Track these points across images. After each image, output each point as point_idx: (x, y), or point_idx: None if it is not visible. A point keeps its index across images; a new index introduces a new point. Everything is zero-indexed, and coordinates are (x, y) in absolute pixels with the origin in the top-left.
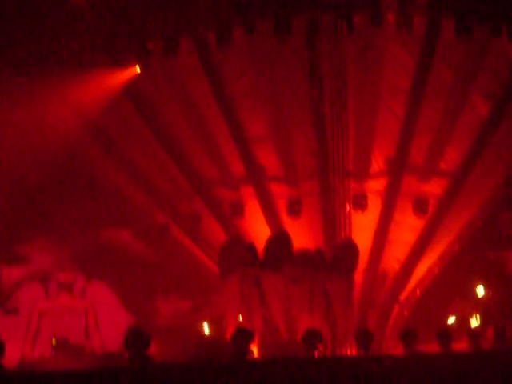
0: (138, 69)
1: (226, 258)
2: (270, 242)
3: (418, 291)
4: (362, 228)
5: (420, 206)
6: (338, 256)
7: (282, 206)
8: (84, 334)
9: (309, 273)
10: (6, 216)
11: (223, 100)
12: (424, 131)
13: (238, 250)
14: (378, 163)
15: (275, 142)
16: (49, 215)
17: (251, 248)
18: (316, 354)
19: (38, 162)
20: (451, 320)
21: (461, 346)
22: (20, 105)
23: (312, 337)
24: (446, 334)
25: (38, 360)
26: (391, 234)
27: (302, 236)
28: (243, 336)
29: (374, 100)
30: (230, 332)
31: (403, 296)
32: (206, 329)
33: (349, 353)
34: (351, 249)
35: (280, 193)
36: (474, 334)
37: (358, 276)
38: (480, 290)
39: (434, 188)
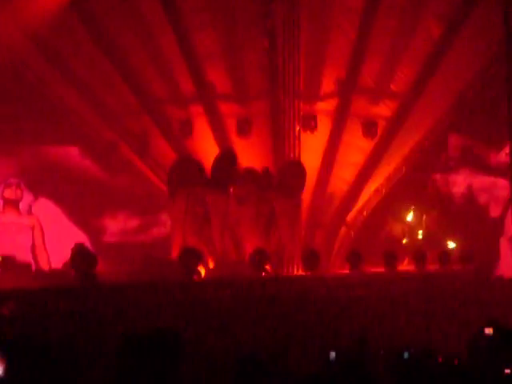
0: None
1: (175, 177)
2: (216, 161)
3: (364, 212)
4: (311, 149)
5: (369, 128)
6: (285, 176)
7: (231, 126)
8: (31, 251)
9: (255, 192)
10: None
11: (174, 16)
12: (375, 53)
13: (186, 169)
14: (328, 84)
15: (226, 60)
16: None
17: (199, 167)
18: (263, 273)
19: None
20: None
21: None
22: None
23: (259, 256)
24: (391, 255)
25: None
26: (340, 155)
27: (251, 156)
28: (191, 256)
29: (326, 20)
30: (175, 251)
31: (350, 217)
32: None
33: (296, 272)
34: (298, 169)
35: (230, 112)
36: (419, 255)
37: (306, 196)
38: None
39: (384, 110)
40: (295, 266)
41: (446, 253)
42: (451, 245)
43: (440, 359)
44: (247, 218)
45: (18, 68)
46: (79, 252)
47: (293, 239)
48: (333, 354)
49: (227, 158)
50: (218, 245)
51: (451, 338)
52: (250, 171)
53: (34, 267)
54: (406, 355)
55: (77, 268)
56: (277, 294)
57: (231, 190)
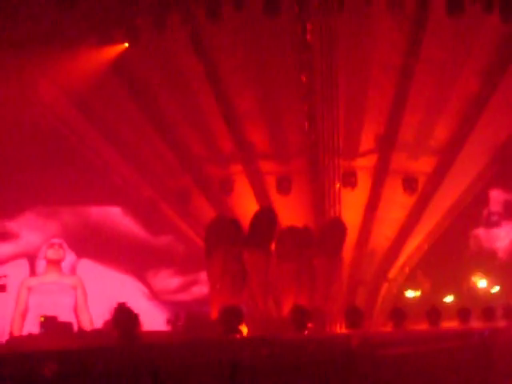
0: (126, 45)
1: (212, 235)
2: (255, 218)
3: (406, 268)
4: (352, 205)
5: (409, 184)
6: (326, 234)
7: (271, 184)
8: (73, 311)
9: (296, 250)
10: None
11: (212, 76)
12: (414, 109)
13: (223, 227)
14: (367, 141)
15: (265, 118)
16: (37, 191)
17: (235, 224)
18: (306, 332)
19: (24, 136)
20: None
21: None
22: (6, 80)
23: (302, 315)
24: (435, 313)
25: (27, 338)
26: (380, 211)
27: (291, 214)
28: (231, 315)
29: (364, 77)
30: (213, 310)
31: (392, 273)
32: None
33: (339, 330)
34: (338, 226)
35: (269, 170)
36: (463, 313)
37: (348, 253)
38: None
39: (424, 166)
40: (338, 324)
41: (491, 309)
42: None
43: None
44: (288, 275)
45: (60, 129)
46: (121, 311)
47: (333, 297)
48: None
49: (266, 215)
50: (260, 303)
51: None
52: (290, 229)
53: (76, 327)
54: None
55: (119, 327)
56: (318, 352)
57: (271, 247)
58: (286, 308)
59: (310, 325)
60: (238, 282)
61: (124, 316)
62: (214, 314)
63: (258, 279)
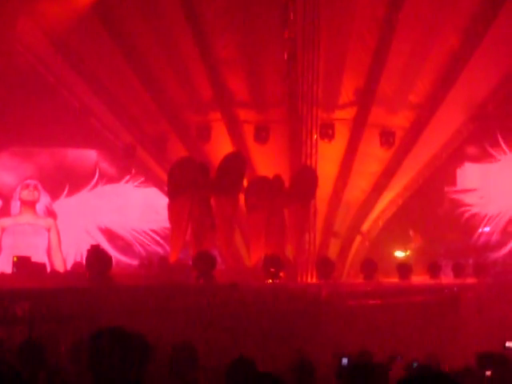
0: None
1: (176, 177)
2: (224, 162)
3: (380, 222)
4: (328, 157)
5: (387, 138)
6: (296, 182)
7: (249, 132)
8: (46, 252)
9: (266, 199)
10: None
11: (194, 21)
12: (394, 63)
13: (188, 170)
14: (347, 93)
15: (245, 66)
16: (12, 131)
17: (203, 168)
18: (277, 281)
19: (1, 75)
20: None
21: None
22: None
23: (273, 263)
24: (405, 266)
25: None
26: (357, 164)
27: (268, 163)
28: (205, 260)
29: (345, 29)
30: (173, 254)
31: (365, 226)
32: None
33: (309, 280)
34: (309, 175)
35: (247, 118)
36: (434, 266)
37: (322, 205)
38: None
39: (402, 120)
40: (309, 274)
41: (460, 265)
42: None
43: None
44: (258, 224)
45: (39, 71)
46: (95, 253)
47: (305, 248)
48: (345, 361)
49: (235, 160)
50: (225, 250)
51: (461, 350)
52: (261, 178)
53: (49, 268)
54: (414, 365)
55: (92, 269)
56: (289, 301)
57: (239, 193)
58: (256, 257)
59: (282, 274)
60: (204, 227)
61: (96, 258)
62: (173, 256)
63: (224, 226)
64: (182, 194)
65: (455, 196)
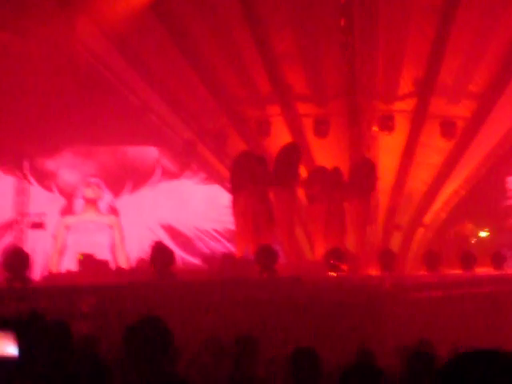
0: None
1: (237, 173)
2: (280, 155)
3: (442, 214)
4: (389, 150)
5: (447, 129)
6: (355, 175)
7: (308, 126)
8: (109, 249)
9: (326, 192)
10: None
11: (251, 16)
12: (454, 53)
13: (249, 164)
14: (406, 84)
15: (303, 60)
16: (74, 130)
17: (261, 162)
18: (340, 274)
19: (62, 75)
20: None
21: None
22: (46, 18)
23: (335, 256)
24: (469, 257)
25: (65, 274)
26: (418, 156)
27: (329, 156)
28: (267, 254)
29: (404, 20)
30: (239, 248)
31: (428, 218)
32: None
33: (372, 273)
34: (369, 168)
35: (307, 112)
36: (498, 257)
37: (384, 197)
38: None
39: (462, 111)
40: (371, 266)
41: None
42: None
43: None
44: (318, 217)
45: (98, 69)
46: (158, 249)
47: (368, 240)
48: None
49: (291, 151)
50: (285, 243)
51: None
52: (319, 170)
53: (113, 265)
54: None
55: (155, 265)
56: (352, 294)
57: (297, 186)
58: (317, 250)
59: (344, 267)
60: (263, 221)
61: (160, 254)
62: (239, 252)
63: (283, 218)
64: (244, 188)
65: None
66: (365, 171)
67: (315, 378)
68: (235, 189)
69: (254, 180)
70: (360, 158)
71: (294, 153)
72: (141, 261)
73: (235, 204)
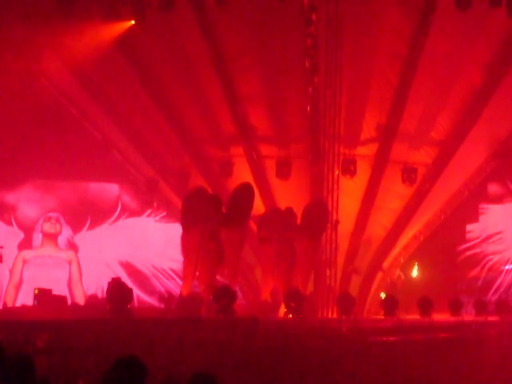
0: (133, 22)
1: (189, 209)
2: (234, 194)
3: (401, 258)
4: (350, 193)
5: (409, 175)
6: (308, 216)
7: (270, 167)
8: (67, 285)
9: (277, 232)
10: None
11: (217, 58)
12: (416, 99)
13: (201, 201)
14: (368, 129)
15: (267, 102)
16: (36, 164)
17: (214, 199)
18: (297, 316)
19: (25, 109)
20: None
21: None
22: (11, 51)
23: (295, 298)
24: (427, 303)
25: (20, 308)
26: (378, 200)
27: (290, 198)
28: (227, 294)
29: (368, 65)
30: (185, 286)
31: (387, 263)
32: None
33: (330, 316)
34: (321, 209)
35: (269, 153)
36: (455, 303)
37: (343, 241)
38: None
39: (424, 157)
40: (330, 310)
41: (483, 302)
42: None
43: None
44: (268, 257)
45: (62, 103)
46: (115, 286)
47: (326, 284)
48: None
49: (245, 191)
50: (231, 282)
51: None
52: (272, 211)
53: (69, 301)
54: None
55: (112, 301)
56: (310, 336)
57: (248, 225)
58: (266, 290)
59: (303, 310)
60: (213, 259)
61: (117, 291)
62: (186, 290)
63: (231, 257)
64: (194, 225)
65: (476, 241)
66: (316, 212)
67: None
68: (185, 225)
69: (205, 218)
70: (312, 199)
71: (247, 192)
72: (94, 297)
73: (184, 240)
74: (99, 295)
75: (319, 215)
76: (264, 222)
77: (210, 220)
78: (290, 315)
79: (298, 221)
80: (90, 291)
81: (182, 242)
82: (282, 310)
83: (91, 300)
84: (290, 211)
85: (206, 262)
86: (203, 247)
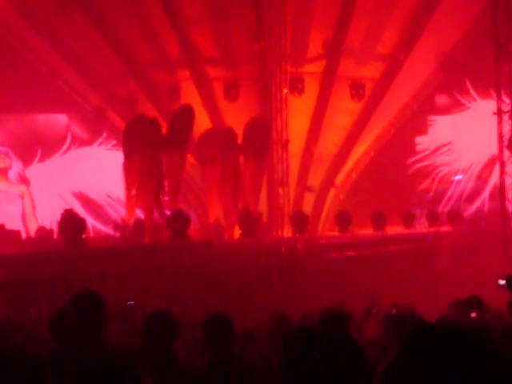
0: None
1: (130, 136)
2: (174, 118)
3: (353, 174)
4: (299, 112)
5: (357, 90)
6: (249, 134)
7: (218, 90)
8: (20, 219)
9: (220, 152)
10: None
11: None
12: (362, 14)
13: (141, 127)
14: (315, 46)
15: (212, 23)
16: None
17: (154, 124)
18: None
19: None
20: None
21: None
22: None
23: (248, 219)
24: (380, 217)
25: None
26: (328, 117)
27: (239, 120)
28: (180, 220)
29: None
30: (130, 212)
31: (339, 179)
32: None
33: (285, 235)
34: (262, 126)
35: (217, 76)
36: (408, 216)
37: (295, 159)
38: None
39: (371, 72)
40: (284, 228)
41: (435, 213)
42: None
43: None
44: (212, 178)
45: (3, 34)
46: (68, 217)
47: (279, 202)
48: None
49: (185, 114)
50: (172, 206)
51: (438, 301)
52: (213, 130)
53: (23, 235)
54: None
55: (65, 233)
56: (266, 255)
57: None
58: (213, 212)
59: (257, 229)
60: (155, 184)
61: (70, 222)
62: (130, 216)
63: (172, 181)
64: (135, 151)
65: (426, 153)
66: (257, 129)
67: (228, 344)
68: (127, 152)
69: (146, 142)
70: (253, 117)
71: (187, 115)
72: (41, 229)
73: (126, 168)
74: (54, 228)
75: (261, 132)
76: (204, 142)
77: (150, 144)
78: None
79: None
80: (45, 224)
81: (123, 168)
82: (237, 231)
83: (45, 233)
84: (229, 130)
85: (148, 187)
86: (144, 172)
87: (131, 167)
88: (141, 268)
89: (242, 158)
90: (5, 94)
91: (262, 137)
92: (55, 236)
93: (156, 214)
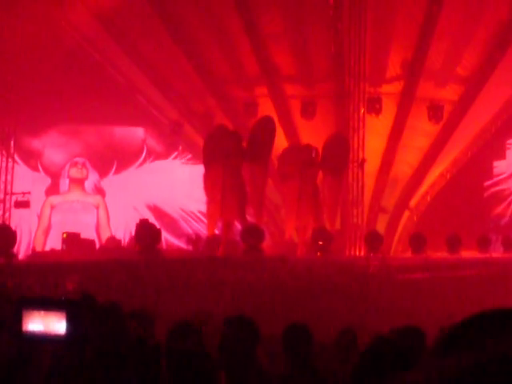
0: None
1: (210, 147)
2: (254, 130)
3: (428, 197)
4: (376, 132)
5: (435, 112)
6: (328, 152)
7: (295, 107)
8: (95, 229)
9: (298, 169)
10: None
11: None
12: (442, 36)
13: (222, 139)
14: (394, 67)
15: (291, 41)
16: (61, 109)
17: (235, 136)
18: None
19: (49, 54)
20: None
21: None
22: None
23: (323, 236)
24: (455, 240)
25: (49, 253)
26: (404, 139)
27: (315, 138)
28: (254, 234)
29: (393, 2)
30: (210, 226)
31: (414, 201)
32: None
33: (357, 254)
34: (341, 143)
35: (294, 94)
36: (483, 240)
37: (370, 180)
38: None
39: (450, 94)
40: (357, 248)
41: (510, 239)
42: None
43: None
44: (290, 194)
45: (85, 48)
46: (144, 226)
47: (354, 222)
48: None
49: (265, 126)
50: (256, 220)
51: None
52: (293, 147)
53: (98, 245)
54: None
55: (141, 242)
56: (337, 274)
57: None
58: (289, 228)
59: (331, 248)
60: (236, 196)
61: (146, 231)
62: (211, 228)
63: (255, 194)
64: (216, 162)
65: (502, 176)
66: (336, 147)
67: (307, 355)
68: (207, 163)
69: (226, 154)
70: (332, 134)
71: (268, 125)
72: (111, 239)
73: (206, 178)
74: (125, 238)
75: (339, 150)
76: (284, 159)
77: (231, 156)
78: (318, 253)
79: (318, 156)
80: (118, 235)
81: (204, 180)
82: (310, 248)
83: (115, 243)
84: (309, 147)
85: (230, 199)
86: (226, 184)
87: (212, 178)
88: (212, 280)
89: (320, 175)
90: (85, 107)
91: (341, 154)
92: (124, 246)
93: (239, 227)
